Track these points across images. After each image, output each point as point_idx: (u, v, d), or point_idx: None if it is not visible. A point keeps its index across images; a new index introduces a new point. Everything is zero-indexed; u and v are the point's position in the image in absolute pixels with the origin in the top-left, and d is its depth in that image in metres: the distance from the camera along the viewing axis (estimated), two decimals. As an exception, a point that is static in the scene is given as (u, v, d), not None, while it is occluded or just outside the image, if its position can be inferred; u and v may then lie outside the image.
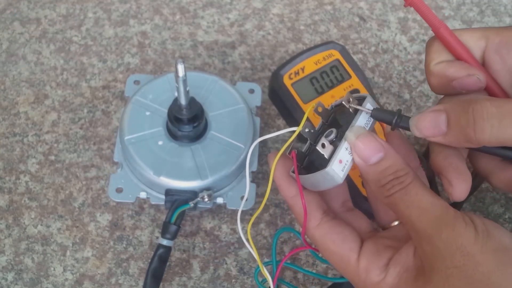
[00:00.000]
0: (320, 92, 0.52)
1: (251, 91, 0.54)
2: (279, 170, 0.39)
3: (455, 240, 0.33)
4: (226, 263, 0.49)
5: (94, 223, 0.51)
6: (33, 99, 0.56)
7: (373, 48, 0.60)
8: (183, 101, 0.47)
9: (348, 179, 0.42)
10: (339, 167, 0.36)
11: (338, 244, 0.38)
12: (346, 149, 0.36)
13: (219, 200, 0.49)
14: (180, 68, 0.43)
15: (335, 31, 0.61)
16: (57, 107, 0.56)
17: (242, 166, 0.50)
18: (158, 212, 0.51)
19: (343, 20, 0.61)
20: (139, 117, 0.50)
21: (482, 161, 0.41)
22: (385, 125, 0.42)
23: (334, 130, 0.38)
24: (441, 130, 0.36)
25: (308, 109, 0.39)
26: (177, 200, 0.47)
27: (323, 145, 0.37)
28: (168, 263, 0.48)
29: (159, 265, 0.46)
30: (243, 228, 0.51)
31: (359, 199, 0.49)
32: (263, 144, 0.54)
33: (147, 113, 0.50)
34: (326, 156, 0.36)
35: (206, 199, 0.47)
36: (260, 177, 0.53)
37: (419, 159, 0.49)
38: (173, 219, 0.47)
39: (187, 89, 0.46)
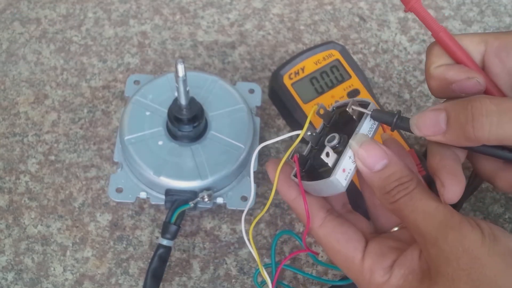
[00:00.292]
0: (320, 92, 0.52)
1: (251, 91, 0.54)
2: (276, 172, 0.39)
3: (461, 243, 0.33)
4: (226, 263, 0.49)
5: (94, 223, 0.51)
6: (33, 99, 0.56)
7: (373, 48, 0.60)
8: (183, 101, 0.47)
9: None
10: (342, 176, 0.36)
11: (342, 244, 0.38)
12: (350, 157, 0.37)
13: (219, 200, 0.49)
14: (180, 68, 0.43)
15: (335, 31, 0.61)
16: (57, 107, 0.56)
17: (242, 166, 0.50)
18: (158, 212, 0.51)
19: (343, 20, 0.61)
20: (139, 117, 0.50)
21: (484, 163, 0.41)
22: (386, 128, 0.42)
23: (336, 135, 0.38)
24: (441, 128, 0.36)
25: (310, 113, 0.39)
26: (177, 200, 0.47)
27: (327, 154, 0.37)
28: (168, 263, 0.48)
29: (159, 265, 0.46)
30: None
31: (360, 201, 0.49)
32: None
33: (147, 113, 0.50)
34: (330, 165, 0.37)
35: (206, 199, 0.47)
36: (260, 177, 0.53)
37: (419, 160, 0.50)
38: (173, 219, 0.47)
39: (187, 89, 0.46)
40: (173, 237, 0.46)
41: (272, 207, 0.52)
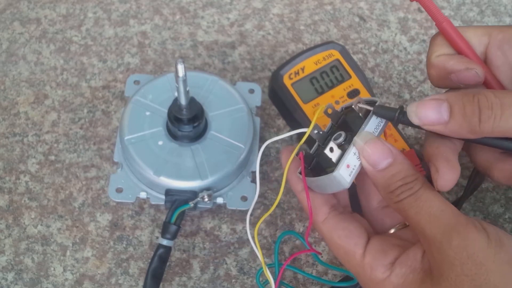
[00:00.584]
0: (320, 92, 0.52)
1: (251, 91, 0.54)
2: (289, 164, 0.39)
3: (466, 248, 0.32)
4: (226, 263, 0.49)
5: (94, 223, 0.51)
6: (33, 99, 0.56)
7: (373, 48, 0.60)
8: (183, 101, 0.47)
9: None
10: (346, 171, 0.36)
11: (343, 239, 0.38)
12: (354, 153, 0.36)
13: (219, 200, 0.49)
14: (180, 68, 0.43)
15: (335, 31, 0.61)
16: (57, 107, 0.56)
17: (242, 166, 0.50)
18: (158, 212, 0.51)
19: (343, 20, 0.61)
20: (139, 117, 0.50)
21: (482, 154, 0.41)
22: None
23: (343, 133, 0.38)
24: (443, 118, 0.35)
25: (318, 111, 0.39)
26: (177, 200, 0.47)
27: (331, 149, 0.37)
28: (168, 263, 0.48)
29: (159, 265, 0.46)
30: (243, 228, 0.51)
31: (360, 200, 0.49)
32: (263, 144, 0.54)
33: (147, 113, 0.50)
34: (334, 160, 0.37)
35: (206, 199, 0.47)
36: (260, 177, 0.52)
37: (419, 159, 0.50)
38: (173, 219, 0.47)
39: (187, 89, 0.46)
40: (173, 237, 0.46)
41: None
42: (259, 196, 0.51)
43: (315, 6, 0.62)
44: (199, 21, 0.61)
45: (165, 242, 0.46)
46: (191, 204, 0.47)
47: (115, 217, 0.51)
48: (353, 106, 0.39)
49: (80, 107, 0.56)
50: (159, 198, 0.49)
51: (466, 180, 0.52)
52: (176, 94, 0.46)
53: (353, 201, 0.43)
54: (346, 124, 0.39)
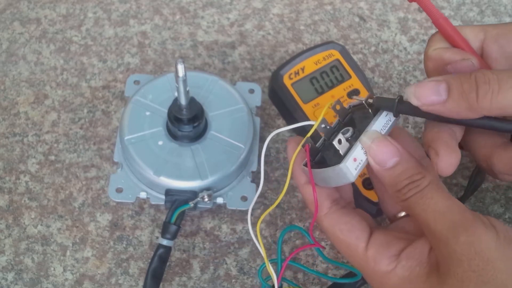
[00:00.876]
0: (320, 92, 0.52)
1: (251, 91, 0.54)
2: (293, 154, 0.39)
3: (473, 244, 0.32)
4: (226, 263, 0.49)
5: (94, 223, 0.51)
6: (33, 99, 0.56)
7: (373, 48, 0.60)
8: (183, 101, 0.47)
9: None
10: (353, 165, 0.36)
11: (345, 233, 0.38)
12: (362, 148, 0.36)
13: (219, 200, 0.49)
14: (180, 68, 0.43)
15: (335, 31, 0.61)
16: (57, 107, 0.56)
17: (242, 166, 0.50)
18: (158, 212, 0.51)
19: (343, 20, 0.61)
20: (139, 117, 0.50)
21: (481, 143, 0.41)
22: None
23: (350, 128, 0.38)
24: (441, 97, 0.36)
25: (327, 105, 0.39)
26: (177, 200, 0.47)
27: (339, 141, 0.37)
28: (168, 263, 0.48)
29: (159, 265, 0.46)
30: (243, 228, 0.51)
31: (360, 200, 0.49)
32: (263, 144, 0.54)
33: (147, 113, 0.50)
34: (341, 152, 0.37)
35: (206, 199, 0.47)
36: (260, 177, 0.52)
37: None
38: (173, 219, 0.47)
39: (187, 89, 0.46)
40: (173, 237, 0.46)
41: (272, 207, 0.52)
42: (259, 196, 0.51)
43: (315, 6, 0.62)
44: (199, 21, 0.61)
45: (165, 242, 0.46)
46: (191, 204, 0.47)
47: (115, 217, 0.51)
48: (363, 102, 0.39)
49: (80, 107, 0.56)
50: (159, 198, 0.49)
51: (466, 180, 0.52)
52: (176, 94, 0.46)
53: (358, 198, 0.43)
54: (353, 122, 0.39)
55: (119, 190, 0.49)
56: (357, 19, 0.61)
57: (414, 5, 0.62)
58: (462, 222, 0.33)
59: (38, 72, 0.57)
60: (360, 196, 0.49)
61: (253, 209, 0.51)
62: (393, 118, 0.39)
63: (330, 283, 0.48)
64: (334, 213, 0.39)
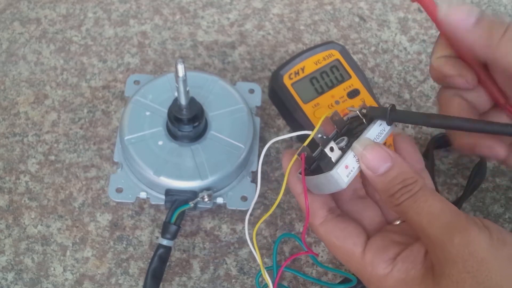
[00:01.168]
0: (320, 92, 0.52)
1: (251, 91, 0.54)
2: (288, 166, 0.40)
3: (467, 246, 0.33)
4: (226, 263, 0.49)
5: (94, 223, 0.51)
6: (33, 99, 0.56)
7: (373, 48, 0.60)
8: (183, 101, 0.47)
9: None
10: (344, 172, 0.36)
11: (342, 240, 0.38)
12: (354, 156, 0.37)
13: (219, 200, 0.49)
14: (180, 68, 0.43)
15: (335, 31, 0.61)
16: (57, 107, 0.56)
17: (242, 166, 0.50)
18: (158, 212, 0.51)
19: (343, 20, 0.61)
20: (139, 117, 0.50)
21: None
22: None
23: (345, 138, 0.38)
24: (469, 20, 0.37)
25: (324, 116, 0.39)
26: (177, 200, 0.47)
27: (331, 149, 0.37)
28: (168, 263, 0.48)
29: (159, 265, 0.46)
30: (243, 228, 0.51)
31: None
32: (263, 144, 0.54)
33: (147, 113, 0.50)
34: (333, 159, 0.37)
35: (206, 199, 0.47)
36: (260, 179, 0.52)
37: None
38: (173, 219, 0.47)
39: (187, 89, 0.46)
40: (173, 237, 0.46)
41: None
42: (259, 196, 0.51)
43: (315, 6, 0.62)
44: (199, 21, 0.61)
45: (165, 242, 0.46)
46: (191, 204, 0.47)
47: (115, 217, 0.51)
48: (357, 112, 0.39)
49: (80, 107, 0.56)
50: (159, 198, 0.49)
51: (466, 180, 0.52)
52: (176, 94, 0.46)
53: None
54: (350, 132, 0.40)
55: (119, 190, 0.49)
56: (357, 19, 0.61)
57: (414, 5, 0.62)
58: (456, 224, 0.34)
59: (38, 72, 0.57)
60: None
61: (252, 209, 0.51)
62: (387, 128, 0.39)
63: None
64: (330, 221, 0.39)
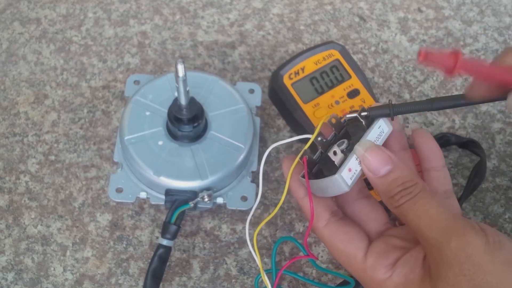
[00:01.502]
0: (320, 92, 0.52)
1: (251, 91, 0.54)
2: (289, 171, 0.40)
3: (464, 249, 0.33)
4: (226, 263, 0.49)
5: (94, 223, 0.51)
6: (33, 99, 0.56)
7: (373, 48, 0.60)
8: (183, 101, 0.47)
9: None
10: (348, 175, 0.37)
11: (344, 243, 0.39)
12: (357, 159, 0.38)
13: (219, 200, 0.49)
14: (180, 68, 0.43)
15: (335, 31, 0.61)
16: (57, 107, 0.56)
17: (242, 166, 0.50)
18: (158, 212, 0.51)
19: (343, 20, 0.61)
20: (139, 117, 0.50)
21: None
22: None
23: (346, 141, 0.39)
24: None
25: (323, 119, 0.40)
26: (177, 200, 0.47)
27: (334, 153, 0.38)
28: (168, 263, 0.48)
29: (159, 265, 0.46)
30: (243, 228, 0.51)
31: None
32: (263, 144, 0.54)
33: (147, 113, 0.50)
34: (336, 163, 0.38)
35: (206, 199, 0.47)
36: (260, 179, 0.52)
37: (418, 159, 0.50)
38: (173, 219, 0.47)
39: (187, 89, 0.46)
40: (173, 237, 0.46)
41: (273, 207, 0.52)
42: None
43: (315, 6, 0.62)
44: (199, 21, 0.61)
45: (165, 242, 0.46)
46: (191, 204, 0.47)
47: (115, 217, 0.51)
48: (357, 115, 0.40)
49: (80, 107, 0.56)
50: (159, 198, 0.49)
51: (466, 180, 0.52)
52: (176, 94, 0.46)
53: None
54: (348, 134, 0.40)
55: (119, 190, 0.49)
56: (357, 19, 0.61)
57: (414, 5, 0.62)
58: (454, 228, 0.34)
59: (38, 72, 0.57)
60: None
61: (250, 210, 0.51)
62: (386, 129, 0.40)
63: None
64: (333, 224, 0.39)
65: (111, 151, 0.53)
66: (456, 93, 0.58)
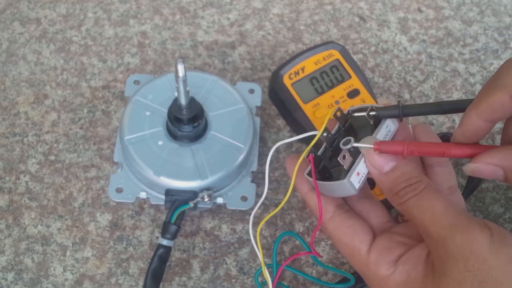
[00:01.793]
0: (320, 92, 0.52)
1: (251, 91, 0.54)
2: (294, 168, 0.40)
3: (469, 245, 0.33)
4: (226, 263, 0.49)
5: (94, 223, 0.51)
6: (33, 99, 0.56)
7: (373, 48, 0.60)
8: (183, 101, 0.47)
9: None
10: (356, 179, 0.38)
11: (349, 236, 0.39)
12: (364, 162, 0.38)
13: (219, 200, 0.49)
14: (180, 68, 0.43)
15: (335, 31, 0.61)
16: (57, 107, 0.56)
17: (242, 166, 0.50)
18: (158, 212, 0.51)
19: (343, 20, 0.61)
20: (139, 117, 0.50)
21: None
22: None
23: (351, 139, 0.39)
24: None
25: (328, 114, 0.40)
26: (177, 200, 0.47)
27: (344, 157, 0.38)
28: (168, 263, 0.48)
29: (159, 265, 0.46)
30: (243, 228, 0.51)
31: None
32: (263, 144, 0.54)
33: (147, 113, 0.50)
34: (345, 167, 0.38)
35: (206, 199, 0.47)
36: (260, 177, 0.52)
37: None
38: (173, 219, 0.47)
39: (187, 89, 0.46)
40: (173, 237, 0.46)
41: (272, 207, 0.52)
42: (258, 196, 0.51)
43: (315, 6, 0.62)
44: (199, 21, 0.61)
45: (165, 242, 0.46)
46: (191, 204, 0.47)
47: (115, 217, 0.51)
48: (365, 115, 0.40)
49: (80, 107, 0.56)
50: (159, 198, 0.49)
51: (466, 180, 0.52)
52: (176, 94, 0.46)
53: None
54: (353, 129, 0.40)
55: (119, 190, 0.49)
56: (357, 19, 0.61)
57: (414, 5, 0.62)
58: (458, 224, 0.34)
59: (38, 72, 0.57)
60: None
61: (251, 209, 0.51)
62: (393, 128, 0.40)
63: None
64: (338, 217, 0.40)
65: (111, 151, 0.53)
66: (456, 93, 0.58)
